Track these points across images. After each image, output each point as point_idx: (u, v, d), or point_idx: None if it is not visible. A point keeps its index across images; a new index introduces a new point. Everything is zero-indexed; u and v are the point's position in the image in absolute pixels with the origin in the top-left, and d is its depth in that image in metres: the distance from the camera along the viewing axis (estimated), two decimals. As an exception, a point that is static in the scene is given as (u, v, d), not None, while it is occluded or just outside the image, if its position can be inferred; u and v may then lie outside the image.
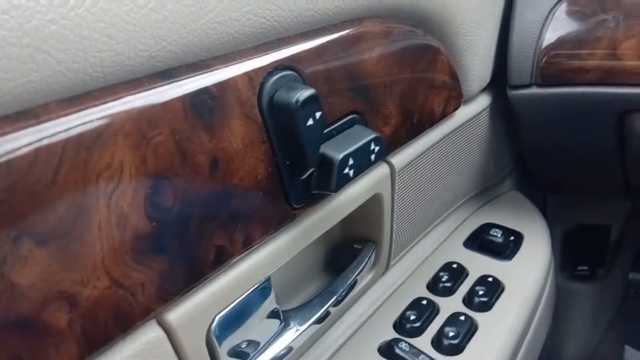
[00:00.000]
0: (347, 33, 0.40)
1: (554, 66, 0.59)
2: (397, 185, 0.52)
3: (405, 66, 0.46)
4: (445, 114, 0.55)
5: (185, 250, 0.32)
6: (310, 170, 0.38)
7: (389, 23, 0.44)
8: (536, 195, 0.94)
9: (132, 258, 0.29)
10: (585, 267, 0.99)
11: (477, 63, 0.58)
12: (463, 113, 0.59)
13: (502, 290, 0.60)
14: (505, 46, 0.61)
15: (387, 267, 0.58)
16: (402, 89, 0.47)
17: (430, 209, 0.61)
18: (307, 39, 0.37)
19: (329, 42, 0.38)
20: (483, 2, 0.56)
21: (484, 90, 0.64)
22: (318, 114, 0.35)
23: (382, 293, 0.59)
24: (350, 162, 0.39)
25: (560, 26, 0.59)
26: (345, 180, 0.39)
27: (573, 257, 1.00)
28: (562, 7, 0.59)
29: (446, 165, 0.60)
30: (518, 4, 0.60)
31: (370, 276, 0.56)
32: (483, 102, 0.63)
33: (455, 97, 0.56)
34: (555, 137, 0.69)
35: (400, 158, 0.51)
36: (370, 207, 0.51)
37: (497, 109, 0.66)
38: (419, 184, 0.56)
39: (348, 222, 0.49)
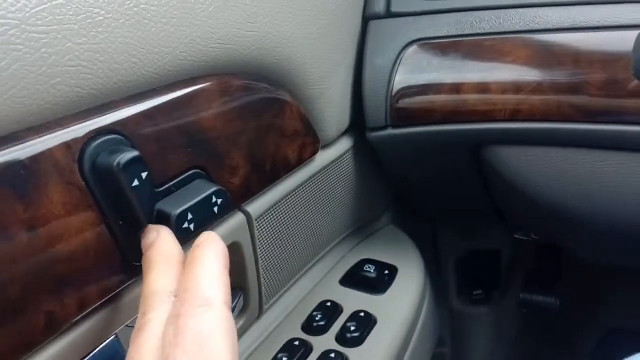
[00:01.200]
0: (180, 94, 0.41)
1: (405, 108, 0.63)
2: (257, 232, 0.54)
3: (249, 119, 0.48)
4: (302, 160, 0.57)
5: (10, 318, 0.32)
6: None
7: (228, 80, 0.46)
8: (424, 227, 0.97)
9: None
10: (480, 292, 1.03)
11: (331, 110, 0.61)
12: (323, 158, 0.62)
13: (375, 323, 0.63)
14: (361, 92, 0.65)
15: (261, 311, 0.60)
16: (248, 140, 0.48)
17: (301, 252, 0.63)
18: (134, 102, 0.38)
19: (159, 104, 0.40)
20: (330, 53, 0.59)
21: (345, 134, 0.66)
22: (144, 175, 0.37)
23: (257, 338, 0.61)
24: (190, 216, 0.40)
25: (407, 70, 0.63)
26: (186, 235, 0.40)
27: (469, 282, 1.04)
28: (409, 53, 0.63)
29: (312, 209, 0.63)
30: (367, 51, 0.64)
31: (241, 322, 0.57)
32: (344, 145, 0.66)
33: (311, 144, 0.58)
34: (419, 173, 0.73)
35: (257, 206, 0.53)
36: (231, 257, 0.52)
37: (361, 150, 0.69)
38: (283, 230, 0.58)
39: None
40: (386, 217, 0.82)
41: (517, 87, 0.58)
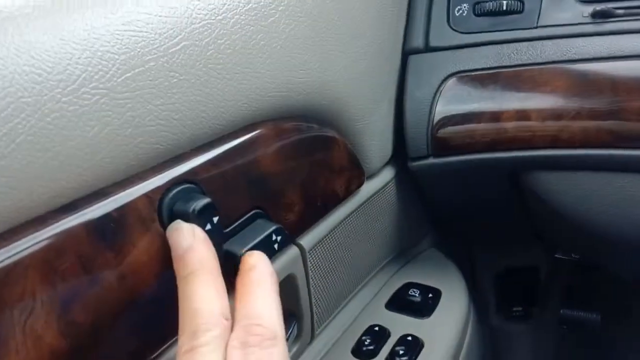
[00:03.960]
0: (240, 140, 0.45)
1: (446, 139, 0.65)
2: (309, 263, 0.57)
3: (302, 159, 0.51)
4: (349, 193, 0.60)
5: (103, 359, 0.36)
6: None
7: (282, 124, 0.49)
8: (462, 244, 0.99)
9: (50, 374, 0.32)
10: (520, 308, 1.05)
11: (375, 143, 0.64)
12: (368, 189, 0.65)
13: (422, 347, 0.65)
14: (402, 123, 0.67)
15: (313, 336, 0.62)
16: (301, 179, 0.52)
17: (348, 278, 0.66)
18: (202, 152, 0.42)
19: (223, 152, 0.43)
20: (373, 90, 0.62)
21: (387, 164, 0.69)
22: (215, 219, 0.40)
23: (310, 362, 0.63)
24: (254, 255, 0.43)
25: (447, 101, 0.65)
26: (251, 271, 0.43)
27: (507, 299, 1.06)
28: (448, 85, 0.66)
29: (359, 237, 0.65)
30: (408, 85, 0.67)
31: (295, 348, 0.59)
32: (387, 175, 0.69)
33: (357, 176, 0.61)
34: (460, 199, 0.75)
35: (309, 239, 0.56)
36: (286, 287, 0.55)
37: (403, 179, 0.72)
38: (332, 259, 0.61)
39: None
40: (427, 241, 0.85)
41: (557, 115, 0.60)
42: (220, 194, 0.43)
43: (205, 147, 0.42)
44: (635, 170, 0.60)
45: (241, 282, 0.38)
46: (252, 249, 0.43)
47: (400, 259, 0.80)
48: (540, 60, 0.62)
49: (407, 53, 0.69)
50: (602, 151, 0.60)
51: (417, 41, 0.68)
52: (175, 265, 0.37)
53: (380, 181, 0.67)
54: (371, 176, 0.66)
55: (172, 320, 0.40)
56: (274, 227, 0.46)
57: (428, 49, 0.68)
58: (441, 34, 0.67)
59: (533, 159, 0.63)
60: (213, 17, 0.41)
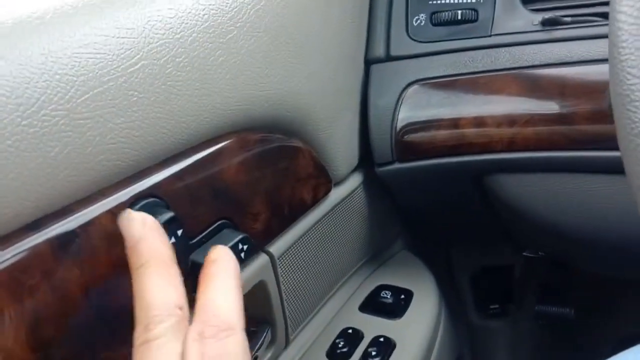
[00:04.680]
0: (204, 153, 0.46)
1: (410, 144, 0.67)
2: (280, 270, 0.58)
3: (267, 169, 0.53)
4: (316, 200, 0.62)
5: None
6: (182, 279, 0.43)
7: (246, 135, 0.51)
8: (437, 247, 1.01)
9: (21, 387, 0.34)
10: (497, 306, 1.07)
11: (341, 150, 0.65)
12: (336, 195, 0.66)
13: (394, 347, 0.66)
14: (367, 130, 0.69)
15: (287, 342, 0.64)
16: (267, 188, 0.53)
17: (321, 283, 0.68)
18: (165, 166, 0.43)
19: (187, 165, 0.44)
20: (336, 99, 0.63)
21: (354, 170, 0.71)
22: (179, 232, 0.41)
23: (285, 367, 0.65)
24: (220, 264, 0.45)
25: (409, 109, 0.67)
26: (218, 280, 0.45)
27: (485, 297, 1.08)
28: (410, 92, 0.68)
29: (329, 243, 0.67)
30: (371, 94, 0.69)
31: (270, 354, 0.61)
32: (355, 181, 0.71)
33: (324, 184, 0.63)
34: (427, 202, 0.77)
35: (279, 246, 0.58)
36: (258, 294, 0.56)
37: (371, 184, 0.73)
38: (303, 265, 0.62)
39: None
40: (399, 243, 0.87)
41: (510, 120, 0.62)
42: (186, 207, 0.44)
43: (169, 161, 0.44)
44: (588, 170, 0.63)
45: (202, 274, 0.38)
46: (217, 258, 0.45)
47: (373, 262, 0.82)
48: (494, 67, 0.64)
49: (369, 63, 0.71)
50: (557, 153, 0.62)
51: (379, 51, 0.70)
52: (129, 257, 0.36)
53: (348, 187, 0.69)
54: (339, 183, 0.68)
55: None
56: (239, 237, 0.47)
57: (389, 58, 0.70)
58: (401, 44, 0.69)
59: (492, 162, 0.65)
60: (171, 36, 0.43)
